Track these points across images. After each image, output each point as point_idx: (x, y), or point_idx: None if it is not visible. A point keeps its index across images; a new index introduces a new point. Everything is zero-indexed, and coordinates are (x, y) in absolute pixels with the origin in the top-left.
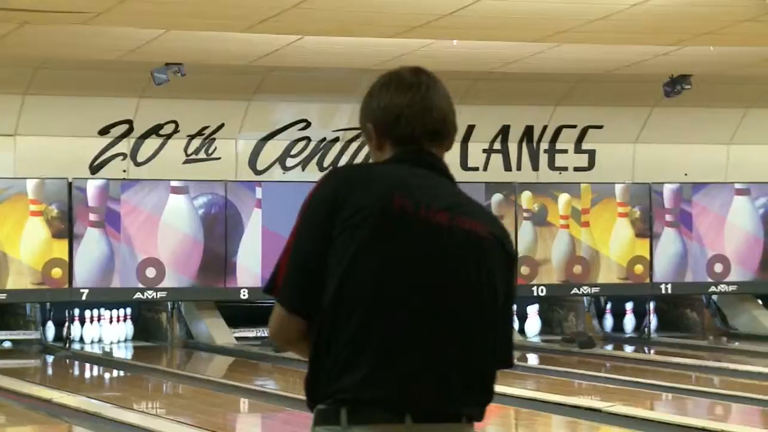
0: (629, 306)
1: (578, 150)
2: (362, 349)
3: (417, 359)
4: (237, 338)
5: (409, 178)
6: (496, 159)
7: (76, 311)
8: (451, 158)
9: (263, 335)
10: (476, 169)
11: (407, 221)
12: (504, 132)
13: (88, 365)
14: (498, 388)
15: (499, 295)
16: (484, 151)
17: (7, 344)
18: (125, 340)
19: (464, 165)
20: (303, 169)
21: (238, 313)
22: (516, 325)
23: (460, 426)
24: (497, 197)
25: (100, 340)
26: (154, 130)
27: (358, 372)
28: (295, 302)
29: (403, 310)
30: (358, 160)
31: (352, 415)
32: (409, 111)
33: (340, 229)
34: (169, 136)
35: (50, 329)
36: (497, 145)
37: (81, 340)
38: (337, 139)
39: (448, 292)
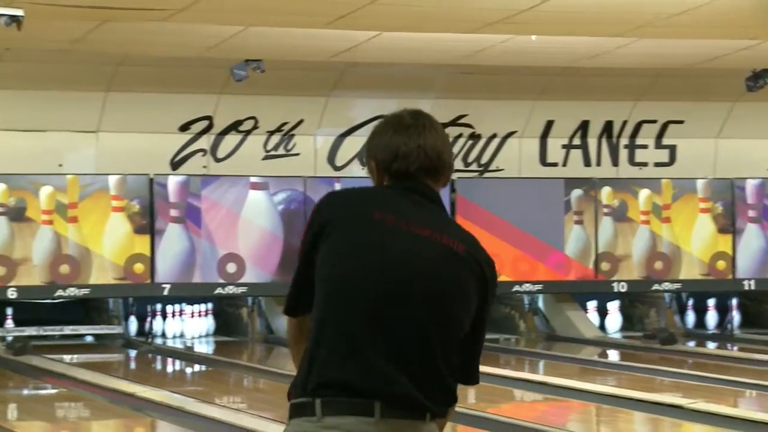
0: (711, 302)
1: (659, 145)
2: (323, 340)
3: (379, 351)
4: None
5: (398, 198)
6: (576, 154)
7: (158, 306)
8: (530, 153)
9: None
10: (555, 164)
11: (386, 228)
12: (583, 127)
13: (170, 360)
14: (579, 384)
15: (469, 310)
16: (564, 146)
17: (90, 339)
18: (206, 335)
19: (543, 160)
20: None
21: None
22: (597, 321)
23: (424, 424)
24: (576, 193)
25: (181, 335)
26: (234, 127)
27: (323, 360)
28: (288, 307)
29: (368, 302)
30: None
31: (326, 407)
32: (406, 149)
33: (324, 246)
34: (248, 133)
35: (133, 324)
36: (577, 141)
37: (163, 334)
38: None
39: (416, 290)
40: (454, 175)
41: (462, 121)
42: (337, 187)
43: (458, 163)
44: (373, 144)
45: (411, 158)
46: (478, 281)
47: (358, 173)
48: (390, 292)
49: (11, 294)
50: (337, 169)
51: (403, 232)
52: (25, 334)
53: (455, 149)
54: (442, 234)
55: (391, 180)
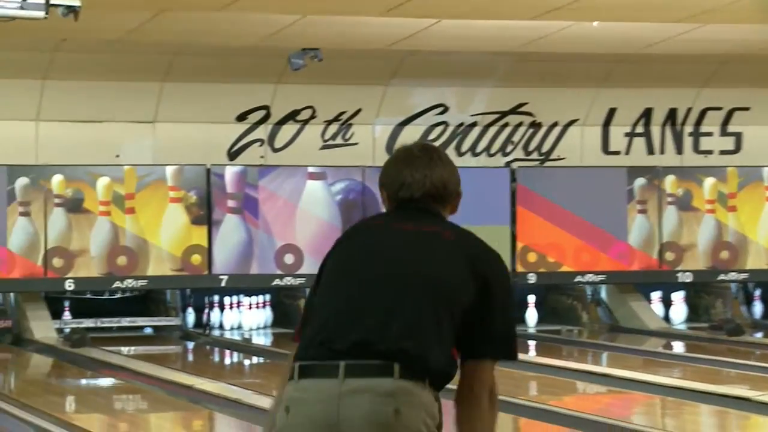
0: None
1: (724, 133)
2: (312, 318)
3: (375, 316)
4: None
5: (394, 213)
6: (639, 143)
7: (216, 298)
8: (592, 142)
9: None
10: (618, 153)
11: (377, 229)
12: (646, 115)
13: (227, 352)
14: (643, 376)
15: (461, 284)
16: (626, 134)
17: (148, 330)
18: (264, 327)
19: (605, 149)
20: None
21: None
22: (661, 312)
23: (391, 381)
24: (640, 182)
25: (239, 327)
26: (291, 116)
27: (306, 334)
28: (295, 332)
29: (350, 282)
30: (497, 145)
31: (302, 371)
32: (411, 179)
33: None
34: (306, 122)
35: (190, 315)
36: (640, 129)
37: (220, 326)
38: (474, 124)
39: (394, 270)
40: (515, 164)
41: (522, 109)
42: None
43: (518, 152)
44: (384, 175)
45: (415, 186)
46: (470, 263)
47: None
48: (379, 273)
49: (69, 286)
50: None
51: (392, 229)
52: (83, 326)
53: (515, 138)
54: (429, 226)
55: (399, 207)
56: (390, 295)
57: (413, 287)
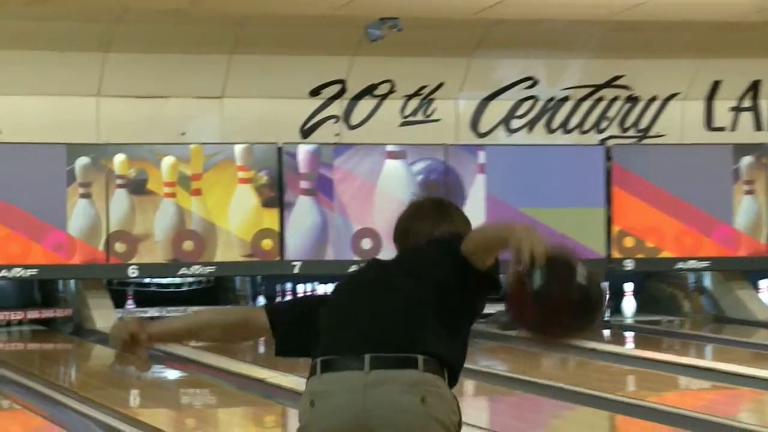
0: None
1: None
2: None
3: (363, 319)
4: None
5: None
6: (746, 118)
7: (288, 285)
8: (694, 117)
9: (490, 312)
10: (722, 129)
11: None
12: (754, 87)
13: None
14: (751, 371)
15: (445, 277)
16: (732, 108)
17: None
18: None
19: (709, 124)
20: (530, 131)
21: None
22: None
23: (416, 372)
24: (747, 160)
25: None
26: (368, 91)
27: (323, 335)
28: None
29: (359, 288)
30: (590, 121)
31: (324, 366)
32: (418, 228)
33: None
34: (384, 97)
35: (261, 304)
36: (747, 103)
37: None
38: (566, 98)
39: (391, 272)
40: (610, 142)
41: (618, 82)
42: (481, 155)
43: (614, 129)
44: (396, 224)
45: (422, 234)
46: (438, 247)
47: (504, 140)
48: (389, 276)
49: (132, 272)
50: (480, 135)
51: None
52: (148, 315)
53: (610, 113)
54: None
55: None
56: (400, 296)
57: (417, 289)
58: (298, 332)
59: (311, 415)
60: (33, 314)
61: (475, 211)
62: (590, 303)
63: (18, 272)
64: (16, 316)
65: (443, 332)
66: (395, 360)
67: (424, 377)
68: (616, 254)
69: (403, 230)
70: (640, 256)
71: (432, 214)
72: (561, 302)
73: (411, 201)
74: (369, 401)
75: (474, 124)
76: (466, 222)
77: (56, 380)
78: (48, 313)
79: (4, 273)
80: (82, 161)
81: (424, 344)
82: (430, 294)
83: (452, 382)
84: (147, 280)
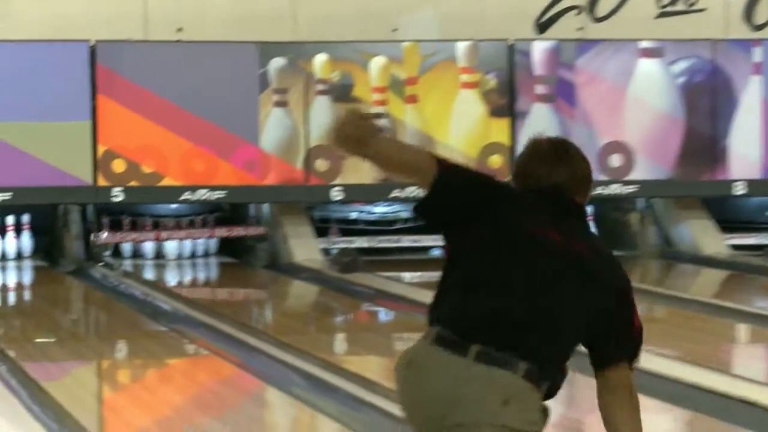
0: None
1: None
2: (453, 291)
3: (494, 306)
4: (731, 246)
5: (539, 199)
6: None
7: None
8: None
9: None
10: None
11: (527, 220)
12: None
13: None
14: None
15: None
16: None
17: (436, 252)
18: None
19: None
20: None
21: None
22: None
23: (516, 378)
24: (277, 62)
25: None
26: None
27: (460, 294)
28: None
29: (502, 269)
30: None
31: (437, 338)
32: (534, 171)
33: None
34: None
35: None
36: None
37: None
38: None
39: (543, 284)
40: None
41: None
42: (756, 53)
43: None
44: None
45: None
46: (608, 290)
47: None
48: (530, 278)
49: (336, 195)
50: (756, 28)
51: (542, 239)
52: (355, 246)
53: None
54: (576, 242)
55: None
56: (540, 301)
57: (560, 308)
58: (449, 210)
59: (402, 374)
60: (221, 232)
61: (749, 120)
62: None
63: (203, 194)
64: (202, 234)
65: (562, 352)
66: (499, 359)
67: (518, 383)
68: (102, 182)
69: (521, 173)
70: (133, 183)
71: (550, 156)
72: None
73: (530, 139)
74: (456, 392)
75: (748, 14)
76: (587, 165)
77: (249, 322)
78: (238, 231)
79: (187, 195)
80: (277, 63)
81: (536, 353)
82: (583, 318)
83: (549, 395)
84: (353, 216)
